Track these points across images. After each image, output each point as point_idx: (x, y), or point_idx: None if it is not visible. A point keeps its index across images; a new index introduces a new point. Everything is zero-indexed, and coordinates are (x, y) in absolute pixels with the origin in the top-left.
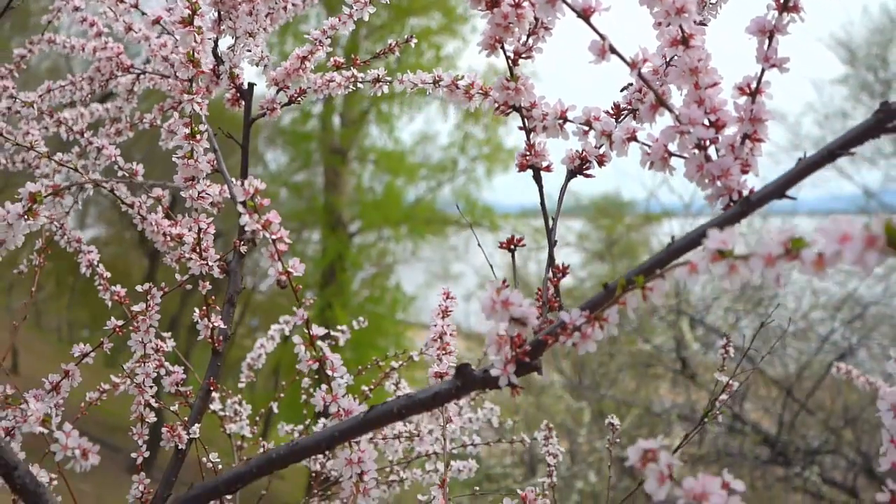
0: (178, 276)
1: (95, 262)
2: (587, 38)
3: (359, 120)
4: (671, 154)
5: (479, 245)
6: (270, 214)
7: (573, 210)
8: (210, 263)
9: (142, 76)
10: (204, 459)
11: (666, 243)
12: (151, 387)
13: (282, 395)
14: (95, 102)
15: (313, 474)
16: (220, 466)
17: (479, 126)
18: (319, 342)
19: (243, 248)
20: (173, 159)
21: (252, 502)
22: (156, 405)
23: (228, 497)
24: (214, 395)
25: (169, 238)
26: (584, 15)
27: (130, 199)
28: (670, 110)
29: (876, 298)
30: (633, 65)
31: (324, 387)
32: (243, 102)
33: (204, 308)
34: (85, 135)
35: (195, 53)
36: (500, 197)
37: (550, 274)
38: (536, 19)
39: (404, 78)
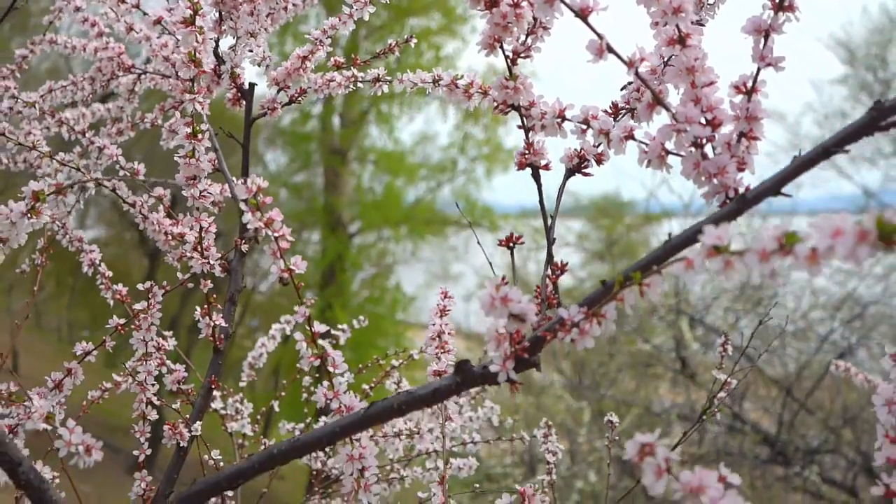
0: (179, 275)
1: (98, 262)
2: (585, 37)
3: (359, 120)
4: (668, 152)
5: (478, 243)
6: (273, 212)
7: (573, 210)
8: (211, 262)
9: (143, 76)
10: (206, 457)
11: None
12: (153, 385)
13: (283, 393)
14: (97, 102)
15: (314, 473)
16: (221, 464)
17: (479, 126)
18: (320, 340)
19: (244, 247)
20: (175, 158)
21: (252, 501)
22: (158, 403)
23: (230, 494)
24: (216, 393)
25: (170, 237)
26: (582, 15)
27: (132, 199)
28: (667, 109)
29: (875, 298)
30: (630, 64)
31: (325, 383)
32: (244, 102)
33: (205, 306)
34: (86, 134)
35: (197, 53)
36: (500, 197)
37: (549, 271)
38: (535, 19)
39: (404, 78)
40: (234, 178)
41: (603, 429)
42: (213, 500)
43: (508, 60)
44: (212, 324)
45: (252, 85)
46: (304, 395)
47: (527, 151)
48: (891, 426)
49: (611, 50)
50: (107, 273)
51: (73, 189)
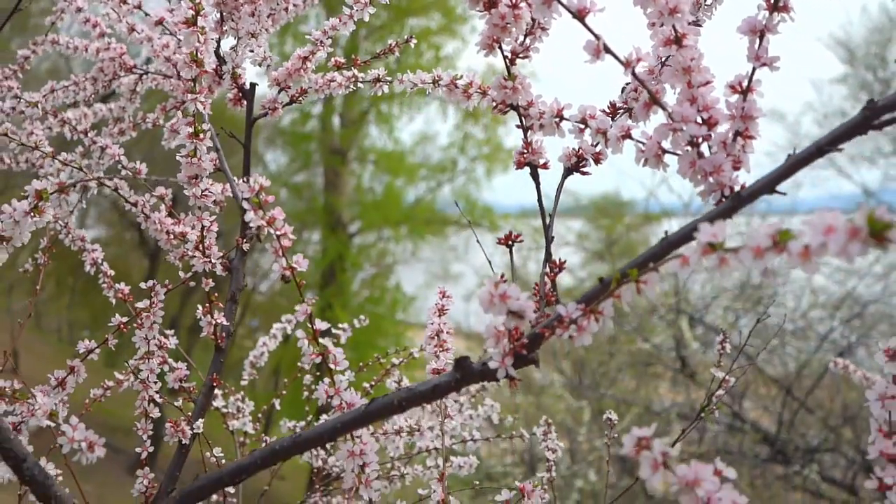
0: (181, 274)
1: (100, 261)
2: (583, 38)
3: (358, 120)
4: (665, 151)
5: (478, 243)
6: (275, 211)
7: (573, 210)
8: (213, 261)
9: (144, 76)
10: (207, 454)
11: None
12: (155, 382)
13: (284, 392)
14: (99, 102)
15: (315, 470)
16: (223, 462)
17: (479, 126)
18: (321, 338)
19: (246, 246)
20: (177, 158)
21: (253, 501)
22: (160, 401)
23: (231, 492)
24: (217, 391)
25: (172, 236)
26: (579, 15)
27: (134, 198)
28: (664, 108)
29: (875, 297)
30: (627, 64)
31: (326, 380)
32: (245, 102)
33: (207, 305)
34: (88, 134)
35: (198, 53)
36: (500, 197)
37: (547, 269)
38: (533, 20)
39: (404, 78)
40: (235, 178)
41: (603, 428)
42: (214, 497)
43: (507, 61)
44: (213, 322)
45: (253, 85)
46: (305, 394)
47: (525, 150)
48: (884, 420)
49: (608, 50)
50: (109, 272)
51: (75, 188)
